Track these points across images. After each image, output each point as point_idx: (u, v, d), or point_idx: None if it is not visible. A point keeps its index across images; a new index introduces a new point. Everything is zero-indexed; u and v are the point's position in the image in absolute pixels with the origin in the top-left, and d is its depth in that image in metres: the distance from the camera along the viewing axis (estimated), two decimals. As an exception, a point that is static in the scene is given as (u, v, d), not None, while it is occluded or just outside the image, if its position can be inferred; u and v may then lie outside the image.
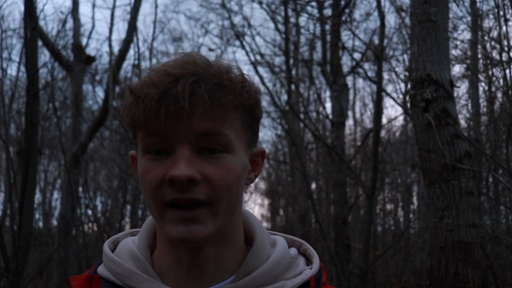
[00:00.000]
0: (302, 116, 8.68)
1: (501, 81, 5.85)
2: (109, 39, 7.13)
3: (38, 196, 11.58)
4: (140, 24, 28.66)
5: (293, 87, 7.72)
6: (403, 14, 7.32)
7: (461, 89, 7.80)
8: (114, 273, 0.82)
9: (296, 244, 0.93)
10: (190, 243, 0.76)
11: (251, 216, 0.90)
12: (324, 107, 8.86)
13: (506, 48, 5.44)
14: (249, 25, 9.44)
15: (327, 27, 6.70)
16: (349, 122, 13.06)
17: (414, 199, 11.08)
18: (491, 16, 6.35)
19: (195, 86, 0.74)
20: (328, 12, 6.78)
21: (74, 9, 8.69)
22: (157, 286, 0.80)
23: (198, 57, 0.79)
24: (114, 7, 8.02)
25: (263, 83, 7.98)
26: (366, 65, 8.67)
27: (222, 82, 0.77)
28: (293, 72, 8.81)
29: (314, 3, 6.64)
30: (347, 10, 5.79)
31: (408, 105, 4.97)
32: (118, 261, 0.83)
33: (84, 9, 43.49)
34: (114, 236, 0.93)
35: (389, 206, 12.46)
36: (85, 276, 0.83)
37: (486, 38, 5.97)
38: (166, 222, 0.76)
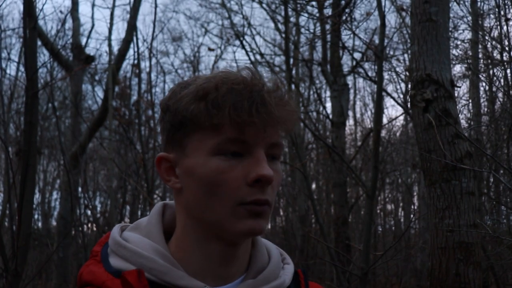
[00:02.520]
0: (302, 116, 8.66)
1: (502, 81, 5.85)
2: (109, 38, 7.11)
3: (37, 196, 11.58)
4: (139, 24, 28.68)
5: (293, 87, 7.70)
6: (404, 13, 7.31)
7: (462, 89, 7.79)
8: (148, 268, 0.82)
9: None
10: (255, 235, 0.84)
11: None
12: (324, 107, 8.85)
13: (506, 48, 5.43)
14: (249, 25, 9.44)
15: (328, 26, 6.68)
16: (350, 122, 13.06)
17: (415, 199, 11.07)
18: (491, 16, 6.33)
19: (276, 98, 0.82)
20: (328, 11, 6.77)
21: (74, 9, 8.68)
22: (195, 283, 0.82)
23: (259, 74, 0.85)
24: (113, 6, 8.01)
25: (263, 83, 7.95)
26: (367, 65, 8.66)
27: (289, 99, 0.85)
28: (293, 72, 8.80)
29: (314, 3, 6.63)
30: (347, 10, 5.77)
31: (409, 105, 4.95)
32: (150, 257, 0.83)
33: (84, 9, 43.53)
34: (116, 231, 0.91)
35: (389, 207, 12.46)
36: (136, 271, 0.81)
37: (486, 37, 5.96)
38: (236, 217, 0.82)
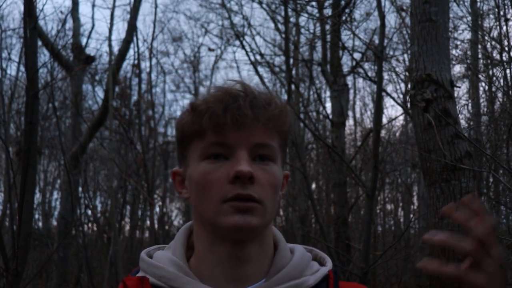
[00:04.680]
0: (302, 116, 8.66)
1: (501, 81, 5.86)
2: (109, 39, 7.10)
3: (37, 196, 11.58)
4: (140, 24, 28.65)
5: (293, 87, 7.70)
6: (404, 14, 7.31)
7: (462, 89, 7.80)
8: (158, 276, 0.90)
9: (307, 250, 1.03)
10: (242, 231, 0.86)
11: (274, 228, 1.01)
12: (324, 107, 8.83)
13: (506, 48, 5.44)
14: (249, 25, 9.44)
15: (327, 27, 6.68)
16: (349, 122, 13.05)
17: (415, 199, 11.07)
18: (491, 16, 6.34)
19: (254, 101, 0.90)
20: (328, 11, 6.77)
21: (74, 9, 8.68)
22: (201, 287, 0.88)
23: (247, 85, 0.94)
24: (114, 6, 8.01)
25: (263, 83, 7.96)
26: (366, 65, 8.66)
27: (272, 102, 0.92)
28: (293, 72, 8.80)
29: (314, 3, 6.63)
30: (347, 10, 5.77)
31: (408, 105, 4.96)
32: (161, 266, 0.91)
33: (84, 9, 43.52)
34: (145, 249, 1.02)
35: (389, 206, 12.45)
36: (137, 278, 0.91)
37: (486, 38, 5.97)
38: (223, 214, 0.87)
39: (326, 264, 0.99)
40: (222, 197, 0.87)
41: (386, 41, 6.42)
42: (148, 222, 10.55)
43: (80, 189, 7.17)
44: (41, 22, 8.49)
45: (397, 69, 8.80)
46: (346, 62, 10.22)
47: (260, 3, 8.39)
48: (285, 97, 9.47)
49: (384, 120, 11.09)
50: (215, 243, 0.91)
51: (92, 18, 11.50)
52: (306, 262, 0.96)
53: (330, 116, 7.38)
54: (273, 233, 0.99)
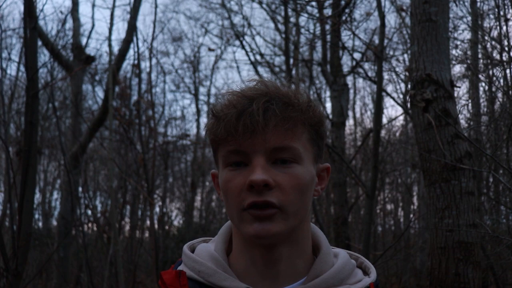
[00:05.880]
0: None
1: (501, 81, 5.86)
2: (109, 39, 7.09)
3: (37, 196, 11.58)
4: (140, 24, 28.63)
5: (293, 87, 7.68)
6: (403, 14, 7.31)
7: (462, 89, 7.80)
8: (197, 271, 0.92)
9: (353, 257, 1.03)
10: (263, 238, 0.87)
11: (318, 229, 1.02)
12: (324, 107, 8.84)
13: (506, 48, 5.44)
14: (249, 25, 9.44)
15: (327, 27, 6.68)
16: (349, 122, 13.06)
17: (415, 199, 11.07)
18: (491, 16, 6.34)
19: (267, 104, 0.88)
20: (328, 12, 6.76)
21: (74, 9, 8.68)
22: (237, 284, 0.90)
23: (269, 82, 0.93)
24: (113, 7, 8.00)
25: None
26: (366, 65, 8.67)
27: (291, 101, 0.90)
28: (293, 72, 8.79)
29: (314, 3, 6.63)
30: (347, 10, 5.77)
31: (408, 105, 4.96)
32: (200, 261, 0.93)
33: (84, 9, 43.51)
34: (190, 242, 1.04)
35: (389, 206, 12.46)
36: (175, 272, 0.93)
37: (486, 38, 5.97)
38: (244, 222, 0.88)
39: (370, 275, 0.98)
40: (241, 205, 0.88)
41: (386, 41, 6.42)
42: (148, 222, 10.56)
43: (80, 189, 7.17)
44: (41, 22, 8.50)
45: (397, 69, 8.80)
46: (346, 62, 10.23)
47: (260, 3, 8.39)
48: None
49: (384, 120, 11.09)
50: (247, 244, 0.93)
51: (92, 18, 11.53)
52: (349, 270, 0.95)
53: (330, 116, 7.37)
54: (315, 234, 0.99)
